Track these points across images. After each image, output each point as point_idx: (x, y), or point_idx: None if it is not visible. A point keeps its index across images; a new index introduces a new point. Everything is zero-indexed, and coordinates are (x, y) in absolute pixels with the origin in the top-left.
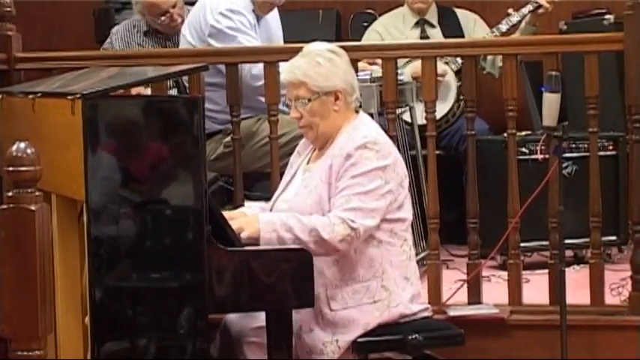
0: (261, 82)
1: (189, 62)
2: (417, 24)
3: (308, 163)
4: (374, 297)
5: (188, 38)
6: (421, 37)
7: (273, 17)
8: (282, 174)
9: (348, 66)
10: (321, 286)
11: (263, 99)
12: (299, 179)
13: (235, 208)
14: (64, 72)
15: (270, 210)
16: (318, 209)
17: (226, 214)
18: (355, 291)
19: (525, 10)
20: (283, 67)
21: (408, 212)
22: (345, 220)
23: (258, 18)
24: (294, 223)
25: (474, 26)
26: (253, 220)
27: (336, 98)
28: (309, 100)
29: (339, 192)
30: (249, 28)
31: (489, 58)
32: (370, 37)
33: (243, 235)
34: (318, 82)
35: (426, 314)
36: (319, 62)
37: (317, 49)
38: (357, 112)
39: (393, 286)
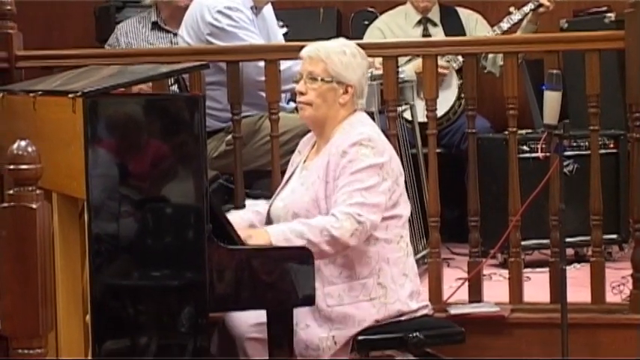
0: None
1: (190, 60)
2: (419, 22)
3: (305, 161)
4: (370, 294)
5: (186, 38)
6: (423, 36)
7: (269, 12)
8: (282, 172)
9: (366, 70)
10: (318, 282)
11: (264, 94)
12: (296, 177)
13: (237, 207)
14: (65, 70)
15: (269, 208)
16: (315, 207)
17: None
18: (351, 288)
19: (527, 8)
20: (308, 45)
21: (403, 209)
22: (352, 215)
23: (256, 13)
24: (304, 228)
25: (475, 25)
26: (263, 232)
27: (345, 91)
28: (322, 80)
29: (339, 189)
30: (249, 23)
31: (490, 57)
32: (372, 35)
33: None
34: (337, 68)
35: (426, 312)
36: (345, 52)
37: (347, 42)
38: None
39: (390, 283)
